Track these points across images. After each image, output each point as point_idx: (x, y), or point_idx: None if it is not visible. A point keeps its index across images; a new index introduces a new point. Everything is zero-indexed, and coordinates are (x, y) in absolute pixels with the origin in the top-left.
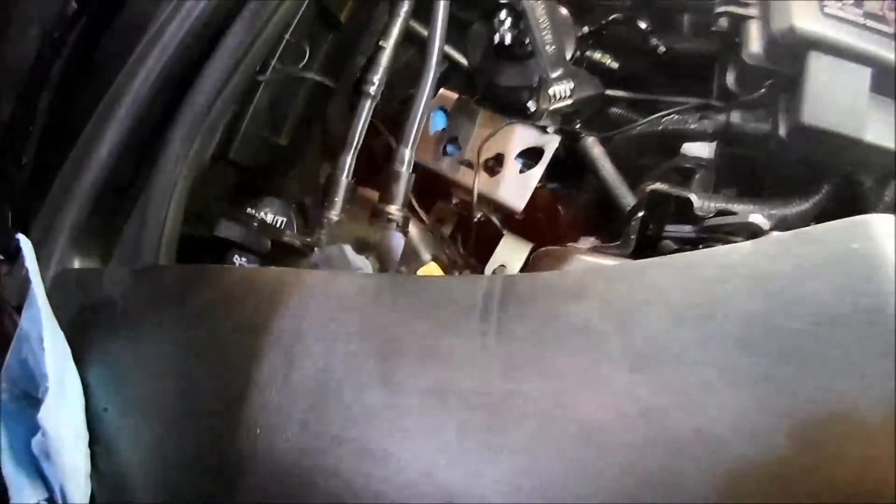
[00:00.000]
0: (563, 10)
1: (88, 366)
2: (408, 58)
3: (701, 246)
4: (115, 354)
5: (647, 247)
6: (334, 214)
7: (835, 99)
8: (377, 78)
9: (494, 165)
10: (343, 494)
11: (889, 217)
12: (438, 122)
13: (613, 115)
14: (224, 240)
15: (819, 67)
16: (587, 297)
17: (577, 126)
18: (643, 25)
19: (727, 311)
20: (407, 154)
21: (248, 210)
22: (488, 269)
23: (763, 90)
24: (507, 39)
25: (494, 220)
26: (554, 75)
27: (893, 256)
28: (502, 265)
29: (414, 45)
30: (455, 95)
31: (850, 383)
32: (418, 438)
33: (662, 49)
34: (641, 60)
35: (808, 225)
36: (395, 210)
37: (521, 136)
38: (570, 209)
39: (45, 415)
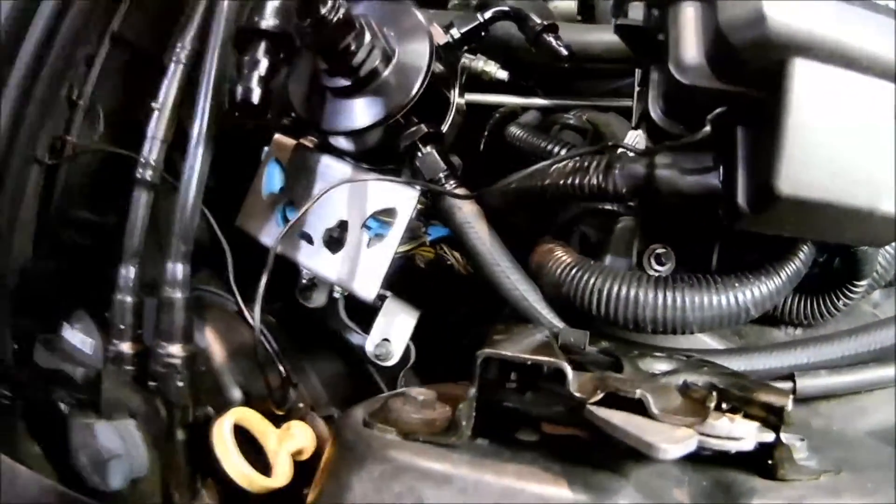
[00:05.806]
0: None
1: None
2: None
3: None
4: None
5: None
6: (126, 347)
7: (834, 146)
8: (154, 157)
9: (340, 236)
10: None
11: None
12: (273, 178)
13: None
14: None
15: (807, 87)
16: None
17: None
18: (537, 20)
19: None
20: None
21: (64, 323)
22: (369, 343)
23: (707, 128)
24: (255, 97)
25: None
26: None
27: None
28: (386, 339)
29: None
30: (292, 142)
31: None
32: None
33: (564, 53)
34: (538, 67)
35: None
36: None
37: (367, 196)
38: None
39: None
